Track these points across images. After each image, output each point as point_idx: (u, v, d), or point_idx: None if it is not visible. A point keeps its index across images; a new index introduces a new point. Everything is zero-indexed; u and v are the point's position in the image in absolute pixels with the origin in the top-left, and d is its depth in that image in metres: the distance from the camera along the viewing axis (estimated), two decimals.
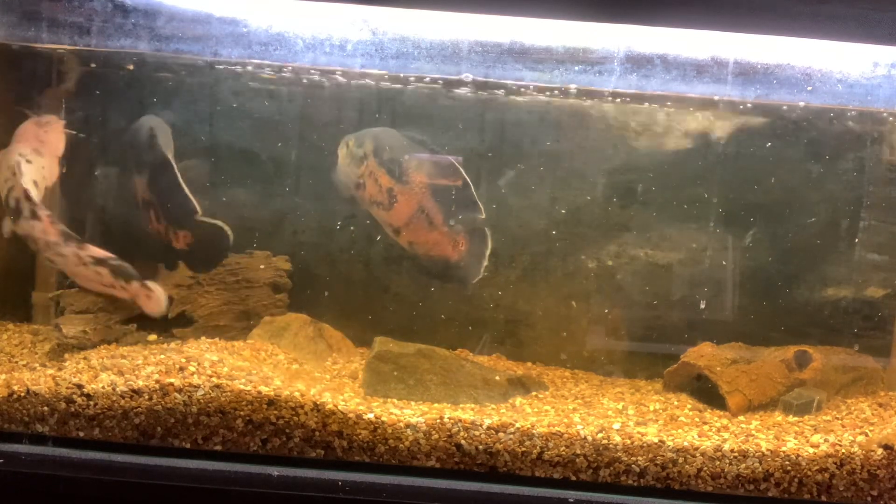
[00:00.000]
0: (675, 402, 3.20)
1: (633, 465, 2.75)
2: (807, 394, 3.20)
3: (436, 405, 3.02)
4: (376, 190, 3.33)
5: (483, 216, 3.29)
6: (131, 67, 3.40)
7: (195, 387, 2.78)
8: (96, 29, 3.14)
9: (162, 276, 3.40)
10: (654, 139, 3.54)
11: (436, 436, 2.77)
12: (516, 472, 2.76)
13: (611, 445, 2.76)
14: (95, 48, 3.22)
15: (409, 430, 2.77)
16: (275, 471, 2.68)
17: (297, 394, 2.80)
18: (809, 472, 2.74)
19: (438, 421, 2.79)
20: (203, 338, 3.31)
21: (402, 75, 3.28)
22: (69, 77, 3.46)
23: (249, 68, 3.36)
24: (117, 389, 2.78)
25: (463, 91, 3.34)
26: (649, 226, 3.58)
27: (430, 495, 2.66)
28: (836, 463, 2.74)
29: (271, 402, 2.77)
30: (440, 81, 3.28)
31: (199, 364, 2.91)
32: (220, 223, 3.36)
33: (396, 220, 3.34)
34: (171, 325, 3.37)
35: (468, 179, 3.27)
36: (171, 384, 2.78)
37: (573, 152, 3.58)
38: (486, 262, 3.37)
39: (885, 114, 3.34)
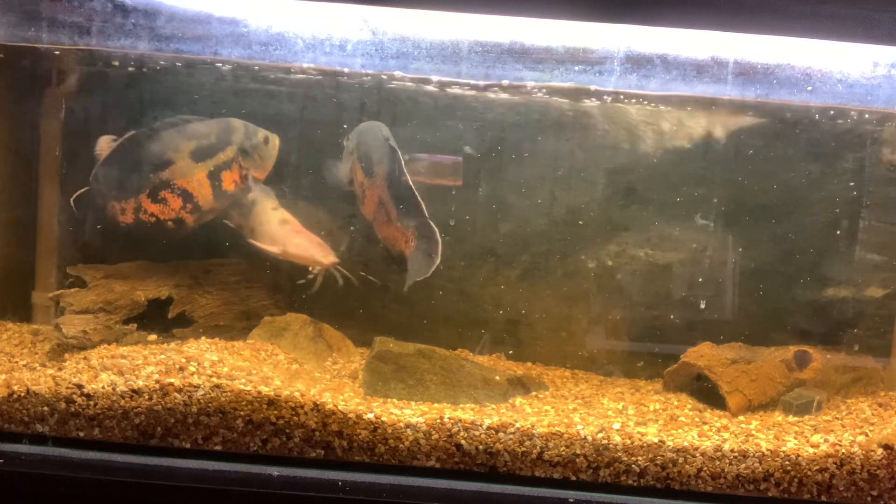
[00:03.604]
0: (675, 402, 3.20)
1: (633, 465, 2.75)
2: (807, 394, 3.20)
3: (436, 405, 3.01)
4: (357, 185, 3.35)
5: (425, 215, 3.22)
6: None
7: (195, 387, 2.78)
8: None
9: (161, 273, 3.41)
10: (653, 139, 3.54)
11: (436, 436, 2.77)
12: (516, 472, 2.76)
13: (611, 445, 2.76)
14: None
15: (409, 430, 2.77)
16: (275, 471, 2.68)
17: (297, 394, 2.80)
18: (809, 472, 2.74)
19: (438, 421, 2.79)
20: (203, 338, 3.31)
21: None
22: None
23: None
24: (117, 389, 2.78)
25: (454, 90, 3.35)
26: (648, 225, 3.59)
27: (430, 495, 2.66)
28: (836, 463, 2.74)
29: (271, 402, 2.77)
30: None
31: (199, 364, 2.91)
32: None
33: (367, 214, 3.37)
34: (171, 325, 3.37)
35: (408, 181, 3.22)
36: (171, 384, 2.78)
37: (572, 152, 3.58)
38: (434, 265, 3.27)
39: (885, 114, 3.35)
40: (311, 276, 3.43)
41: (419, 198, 3.22)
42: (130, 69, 3.43)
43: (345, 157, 3.40)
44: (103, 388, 2.79)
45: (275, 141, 3.39)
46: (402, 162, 3.21)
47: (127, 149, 3.27)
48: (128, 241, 3.40)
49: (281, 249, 3.39)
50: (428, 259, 3.25)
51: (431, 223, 3.24)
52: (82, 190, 3.30)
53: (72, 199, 3.32)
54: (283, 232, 3.39)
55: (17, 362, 3.13)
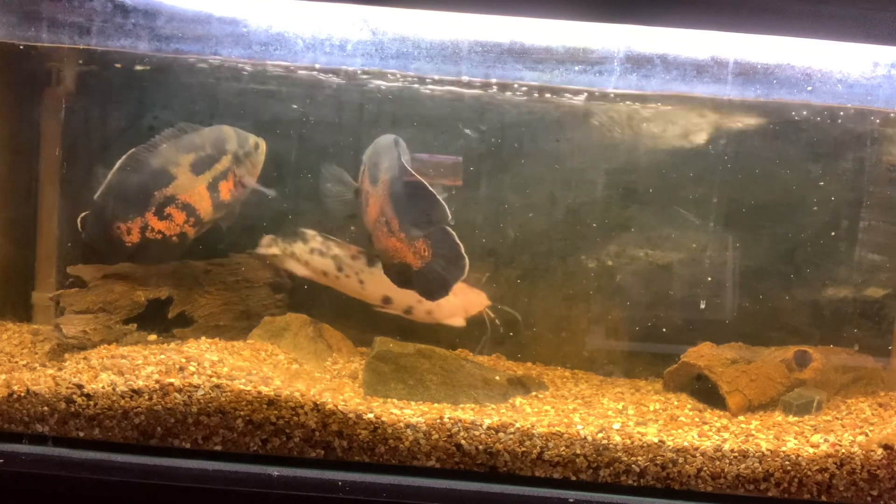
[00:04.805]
0: (675, 402, 3.20)
1: (633, 465, 2.75)
2: (807, 394, 3.20)
3: (436, 405, 3.02)
4: (363, 194, 3.27)
5: (451, 221, 3.07)
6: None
7: (195, 387, 2.78)
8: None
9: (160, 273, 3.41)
10: (653, 139, 3.54)
11: (436, 436, 2.77)
12: (516, 472, 2.76)
13: (611, 445, 2.76)
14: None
15: (409, 430, 2.77)
16: (275, 471, 2.68)
17: (297, 394, 2.80)
18: (809, 472, 2.74)
19: (438, 421, 2.79)
20: (203, 338, 3.31)
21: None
22: None
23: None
24: (117, 389, 2.78)
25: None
26: (647, 226, 3.59)
27: (430, 495, 2.66)
28: (836, 463, 2.74)
29: (271, 402, 2.77)
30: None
31: (199, 364, 2.91)
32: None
33: (368, 223, 3.25)
34: (171, 325, 3.37)
35: (428, 187, 3.07)
36: (171, 384, 2.78)
37: (573, 152, 3.58)
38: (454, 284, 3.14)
39: (884, 114, 3.35)
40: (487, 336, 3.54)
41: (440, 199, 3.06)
42: (130, 69, 3.43)
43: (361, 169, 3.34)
44: (103, 388, 2.79)
45: (263, 146, 3.38)
46: (410, 170, 3.10)
47: (129, 168, 3.24)
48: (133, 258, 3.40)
49: (465, 316, 3.47)
50: (448, 276, 3.12)
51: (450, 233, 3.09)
52: (85, 213, 3.28)
53: (78, 220, 3.30)
54: (458, 301, 3.43)
55: (17, 362, 3.13)
